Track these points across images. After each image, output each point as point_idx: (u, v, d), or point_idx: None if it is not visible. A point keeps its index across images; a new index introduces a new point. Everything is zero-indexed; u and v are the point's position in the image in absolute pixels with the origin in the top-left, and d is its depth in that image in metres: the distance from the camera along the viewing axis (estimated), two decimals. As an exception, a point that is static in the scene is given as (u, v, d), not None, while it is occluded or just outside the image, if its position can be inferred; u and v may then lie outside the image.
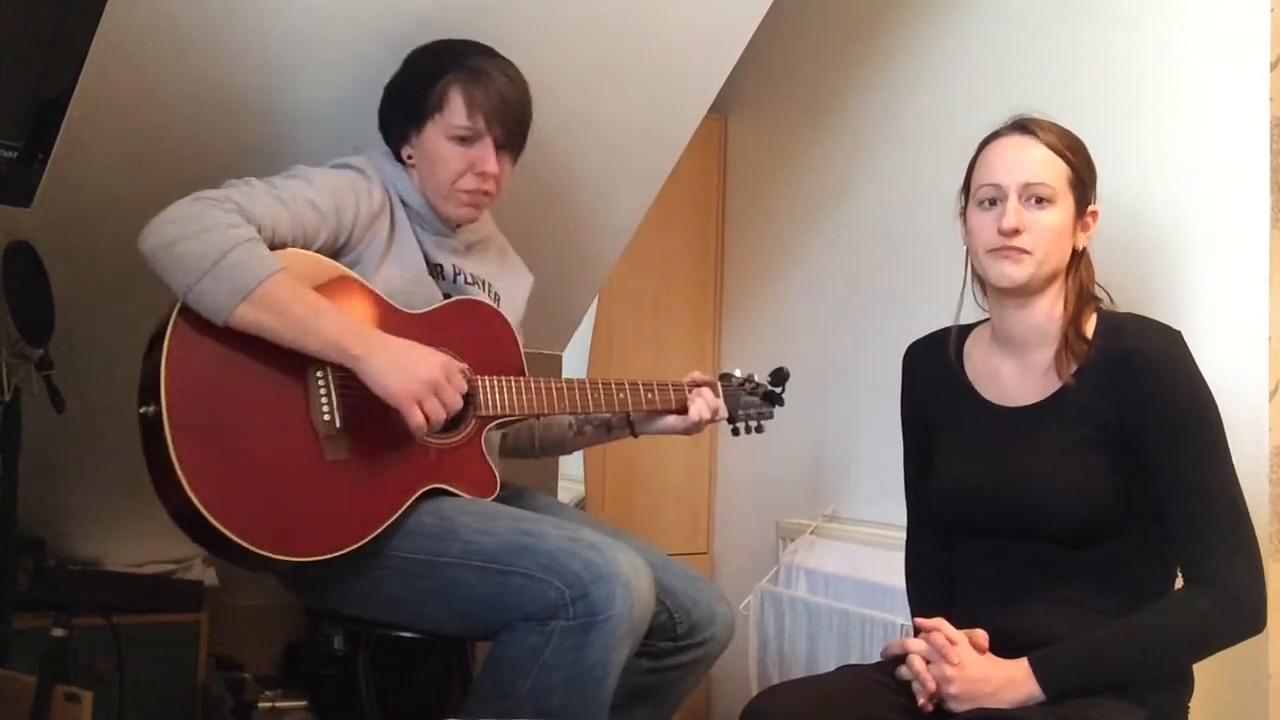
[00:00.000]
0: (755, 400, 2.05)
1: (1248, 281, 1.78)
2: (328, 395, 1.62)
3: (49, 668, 1.67)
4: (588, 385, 1.84)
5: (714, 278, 3.08)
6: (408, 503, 1.67)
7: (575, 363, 2.80)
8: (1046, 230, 1.51)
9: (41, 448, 1.76)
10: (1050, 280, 1.55)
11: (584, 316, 2.67)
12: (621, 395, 1.86)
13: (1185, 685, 1.50)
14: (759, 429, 2.06)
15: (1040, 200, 1.51)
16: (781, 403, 2.08)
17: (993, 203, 1.54)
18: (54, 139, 1.70)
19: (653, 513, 2.92)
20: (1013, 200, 1.52)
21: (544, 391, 1.80)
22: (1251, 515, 1.46)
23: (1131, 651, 1.42)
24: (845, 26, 2.70)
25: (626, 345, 2.93)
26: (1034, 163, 1.52)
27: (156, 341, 1.55)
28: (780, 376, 2.07)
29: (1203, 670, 1.51)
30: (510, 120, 1.79)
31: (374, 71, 1.93)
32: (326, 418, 1.62)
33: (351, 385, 1.63)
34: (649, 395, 1.89)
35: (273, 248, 1.60)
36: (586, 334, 2.83)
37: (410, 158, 1.82)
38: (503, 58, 1.82)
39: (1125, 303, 1.63)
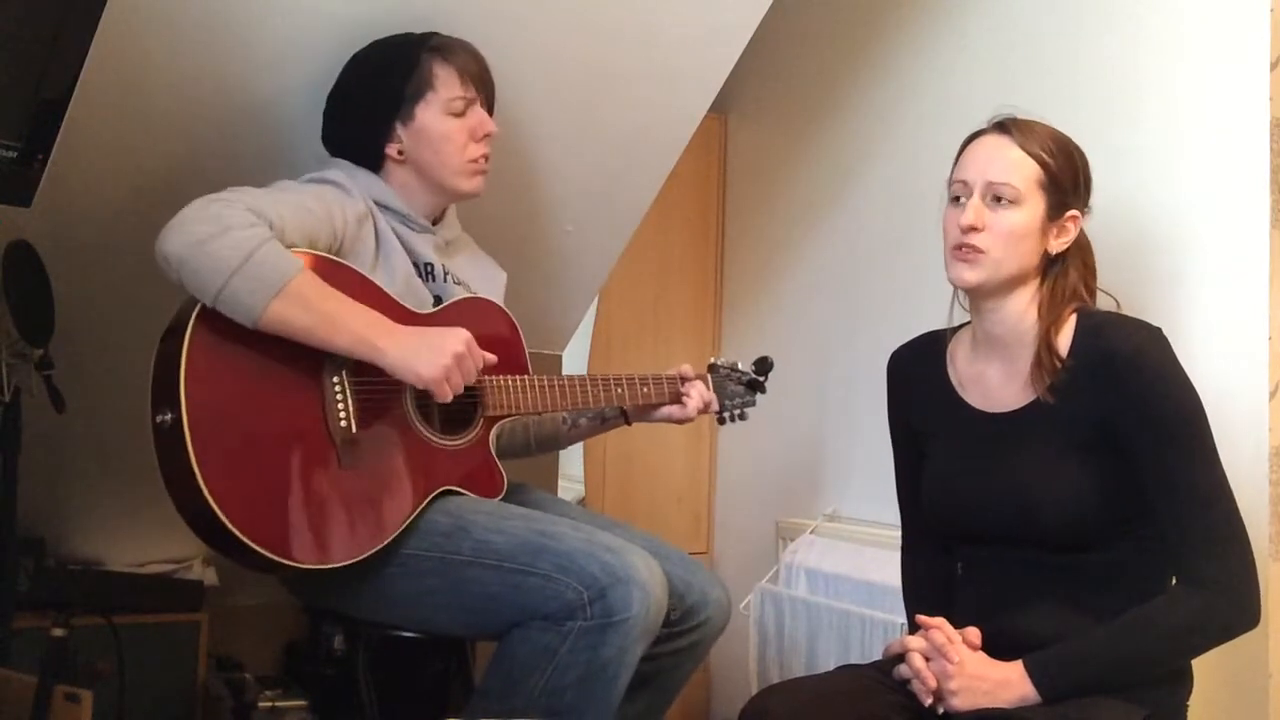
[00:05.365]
0: (740, 390, 2.08)
1: (1248, 281, 1.78)
2: (344, 402, 1.63)
3: (49, 668, 1.67)
4: (588, 381, 1.87)
5: (714, 278, 3.07)
6: (422, 505, 1.69)
7: (575, 363, 2.80)
8: (1005, 231, 1.51)
9: (41, 448, 1.76)
10: (1016, 283, 1.54)
11: (584, 316, 2.67)
12: (619, 390, 1.90)
13: (1184, 684, 1.50)
14: (742, 417, 2.09)
15: (1002, 200, 1.51)
16: (764, 390, 2.11)
17: (960, 200, 1.55)
18: (54, 139, 1.70)
19: (653, 512, 2.92)
20: (975, 198, 1.52)
21: (547, 389, 1.83)
22: (1251, 515, 1.47)
23: (1125, 651, 1.42)
24: (845, 26, 2.70)
25: (627, 345, 2.93)
26: (1002, 162, 1.52)
27: (172, 348, 1.55)
28: (764, 366, 2.10)
29: (1202, 670, 1.51)
30: (488, 83, 1.85)
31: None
32: (343, 424, 1.63)
33: (366, 391, 1.65)
34: (644, 389, 1.93)
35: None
36: (586, 334, 2.83)
37: (400, 153, 1.81)
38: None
39: (1125, 303, 1.63)
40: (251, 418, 1.58)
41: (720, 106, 2.69)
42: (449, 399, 1.64)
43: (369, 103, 1.81)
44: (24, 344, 1.70)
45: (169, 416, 1.52)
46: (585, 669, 1.58)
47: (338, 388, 1.63)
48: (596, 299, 2.70)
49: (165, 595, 2.32)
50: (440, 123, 1.79)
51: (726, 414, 2.06)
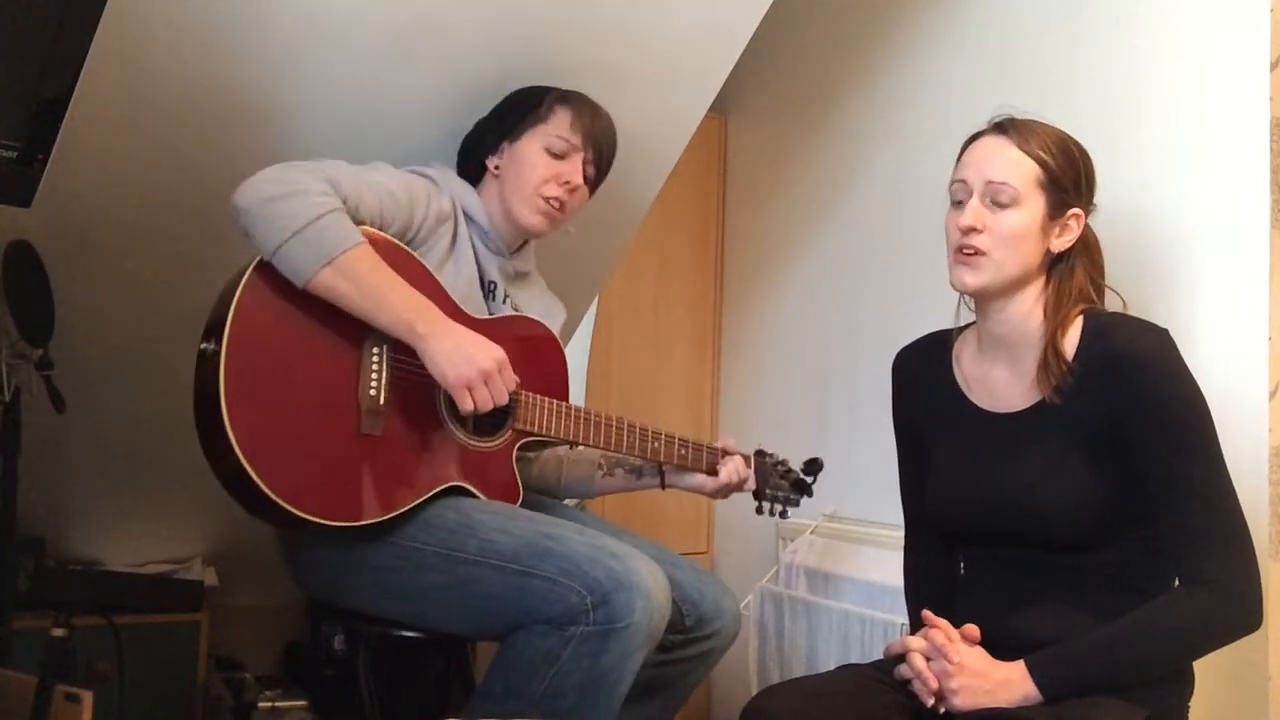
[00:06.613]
0: (784, 485, 2.04)
1: (1248, 281, 1.78)
2: (378, 372, 1.67)
3: (49, 668, 1.67)
4: (625, 425, 1.87)
5: (714, 278, 3.07)
6: (431, 493, 1.70)
7: (575, 362, 2.79)
8: (1005, 232, 1.51)
9: (41, 448, 1.76)
10: (1020, 283, 1.54)
11: (584, 316, 2.67)
12: (656, 444, 1.90)
13: (1185, 685, 1.50)
14: (783, 514, 2.05)
15: (1000, 202, 1.51)
16: (811, 494, 2.07)
17: (961, 202, 1.55)
18: (54, 139, 1.70)
19: (653, 512, 2.91)
20: (974, 199, 1.53)
21: (582, 421, 1.84)
22: (1251, 515, 1.46)
23: (1127, 651, 1.42)
24: (845, 27, 2.70)
25: (626, 345, 2.93)
26: (1000, 163, 1.52)
27: (230, 288, 1.61)
28: (814, 467, 2.06)
29: (1203, 671, 1.51)
30: (601, 152, 1.91)
31: (374, 72, 1.93)
32: (373, 392, 1.66)
33: (403, 369, 1.68)
34: (682, 451, 1.93)
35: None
36: (587, 334, 2.83)
37: (496, 167, 1.89)
38: None
39: (1127, 302, 1.63)
40: (286, 364, 1.62)
41: (720, 106, 2.69)
42: (468, 409, 1.65)
43: (493, 120, 1.93)
44: (24, 344, 1.70)
45: (212, 345, 1.57)
46: (587, 675, 1.58)
47: (375, 358, 1.67)
48: (596, 299, 2.70)
49: (165, 595, 2.32)
50: (534, 152, 1.86)
51: (766, 503, 2.04)
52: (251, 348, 1.58)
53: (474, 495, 1.75)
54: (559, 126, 1.87)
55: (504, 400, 1.68)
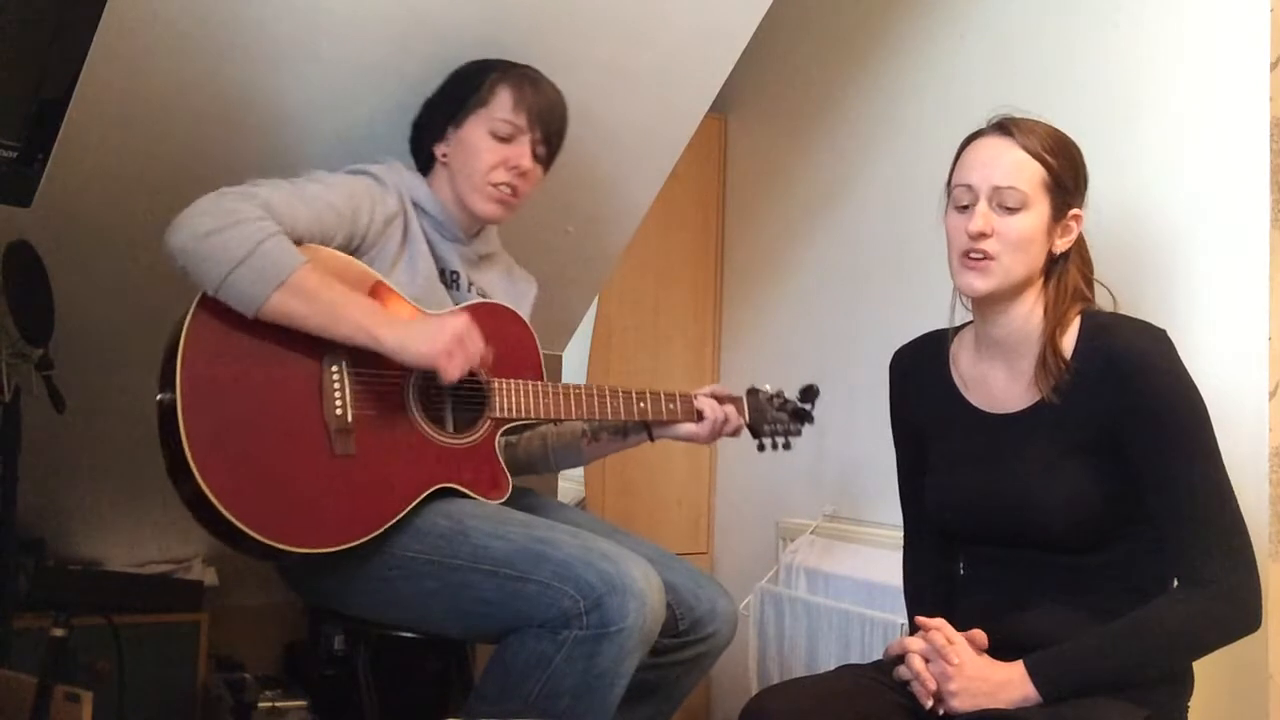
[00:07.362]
0: (783, 417, 2.04)
1: (1248, 281, 1.78)
2: (341, 390, 1.64)
3: (49, 668, 1.67)
4: (606, 392, 1.84)
5: (714, 278, 3.08)
6: (417, 500, 1.68)
7: (575, 362, 2.80)
8: (1014, 236, 1.50)
9: (41, 448, 1.77)
10: (1024, 286, 1.54)
11: (584, 316, 2.67)
12: (642, 405, 1.87)
13: (1185, 685, 1.50)
14: (786, 445, 2.04)
15: (1008, 206, 1.50)
16: (811, 420, 2.06)
17: (966, 206, 1.53)
18: (54, 139, 1.71)
19: (653, 513, 2.92)
20: (982, 204, 1.51)
21: (561, 397, 1.81)
22: (1251, 515, 1.46)
23: (1127, 652, 1.42)
24: (845, 26, 2.70)
25: (627, 345, 2.93)
26: (1007, 166, 1.51)
27: (174, 334, 1.58)
28: (810, 394, 2.05)
29: (1203, 670, 1.51)
30: (550, 129, 1.85)
31: (373, 72, 1.93)
32: (339, 412, 1.63)
33: (366, 381, 1.66)
34: (670, 406, 1.90)
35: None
36: (586, 334, 2.83)
37: (444, 155, 1.86)
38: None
39: (1124, 303, 1.63)
40: (246, 400, 1.59)
41: (720, 106, 2.69)
42: (454, 377, 1.64)
43: (437, 104, 1.88)
44: (24, 344, 1.70)
45: (167, 396, 1.55)
46: (580, 678, 1.57)
47: (335, 376, 1.64)
48: (596, 299, 2.71)
49: (165, 595, 2.32)
50: (479, 137, 1.82)
51: (766, 439, 2.02)
52: (207, 392, 1.56)
53: (463, 494, 1.73)
54: (501, 108, 1.82)
55: (479, 354, 1.67)
